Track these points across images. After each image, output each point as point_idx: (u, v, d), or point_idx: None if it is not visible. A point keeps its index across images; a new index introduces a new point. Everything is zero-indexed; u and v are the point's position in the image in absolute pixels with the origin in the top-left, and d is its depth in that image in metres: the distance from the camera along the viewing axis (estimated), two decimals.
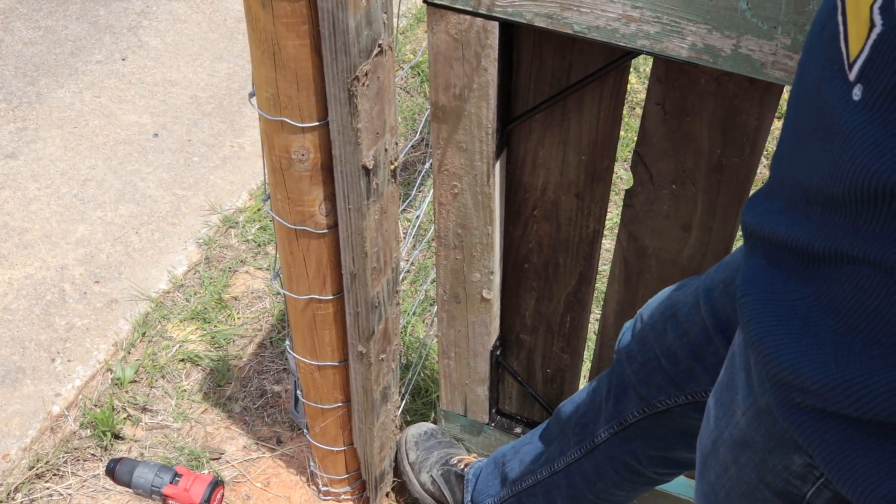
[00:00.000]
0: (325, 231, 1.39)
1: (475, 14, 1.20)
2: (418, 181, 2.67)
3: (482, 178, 1.40)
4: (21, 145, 2.84)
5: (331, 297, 1.49)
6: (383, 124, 1.30)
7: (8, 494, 1.94)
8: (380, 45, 1.21)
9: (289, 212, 1.37)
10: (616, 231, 1.49)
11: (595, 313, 2.01)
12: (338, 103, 1.21)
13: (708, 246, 1.39)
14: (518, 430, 1.84)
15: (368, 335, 1.51)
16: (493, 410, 1.84)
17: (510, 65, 1.34)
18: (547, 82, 1.34)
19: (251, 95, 1.29)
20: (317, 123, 1.25)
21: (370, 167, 1.28)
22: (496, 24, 1.21)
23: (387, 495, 1.94)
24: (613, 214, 2.50)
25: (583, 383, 1.85)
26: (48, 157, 2.80)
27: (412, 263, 2.46)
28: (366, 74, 1.20)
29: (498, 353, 1.73)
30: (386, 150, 1.33)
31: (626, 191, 1.39)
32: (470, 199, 1.44)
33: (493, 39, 1.23)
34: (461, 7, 1.20)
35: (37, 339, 2.27)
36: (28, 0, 3.53)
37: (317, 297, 1.48)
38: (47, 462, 1.99)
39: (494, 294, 1.60)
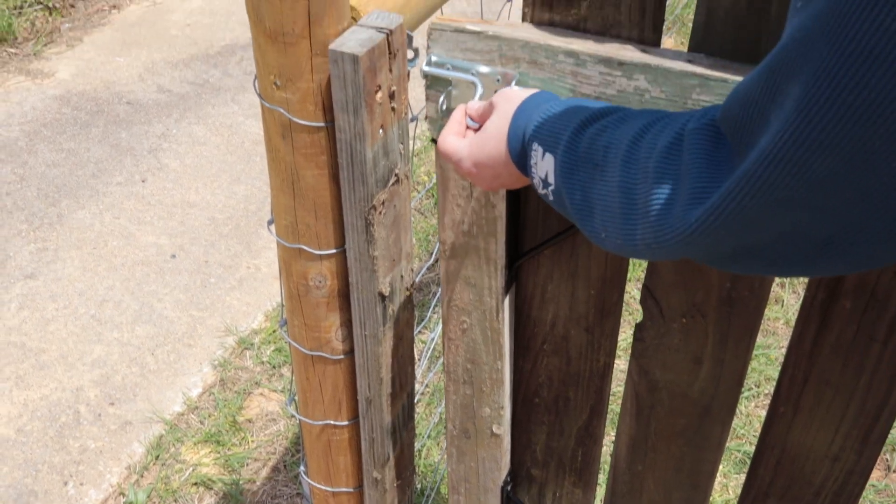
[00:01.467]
0: (342, 357, 1.39)
1: None
2: (433, 302, 2.68)
3: (491, 313, 1.39)
4: (41, 266, 2.87)
5: (346, 423, 1.48)
6: (399, 251, 1.31)
7: None
8: (396, 175, 1.24)
9: (305, 337, 1.37)
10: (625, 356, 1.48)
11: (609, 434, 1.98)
12: (355, 232, 1.22)
13: (720, 379, 1.37)
14: None
15: (384, 461, 1.50)
16: None
17: (518, 199, 1.34)
18: (555, 216, 1.33)
19: (270, 223, 1.31)
20: (334, 251, 1.26)
21: (386, 294, 1.29)
22: None
23: None
24: (621, 339, 2.49)
25: None
26: (67, 278, 2.83)
27: (427, 386, 2.44)
28: (382, 203, 1.21)
29: (509, 488, 1.70)
30: (402, 276, 1.34)
31: (636, 325, 1.38)
32: (479, 334, 1.43)
33: None
34: None
35: (50, 462, 2.25)
36: (53, 123, 3.63)
37: (332, 422, 1.47)
38: None
39: (505, 429, 1.57)
